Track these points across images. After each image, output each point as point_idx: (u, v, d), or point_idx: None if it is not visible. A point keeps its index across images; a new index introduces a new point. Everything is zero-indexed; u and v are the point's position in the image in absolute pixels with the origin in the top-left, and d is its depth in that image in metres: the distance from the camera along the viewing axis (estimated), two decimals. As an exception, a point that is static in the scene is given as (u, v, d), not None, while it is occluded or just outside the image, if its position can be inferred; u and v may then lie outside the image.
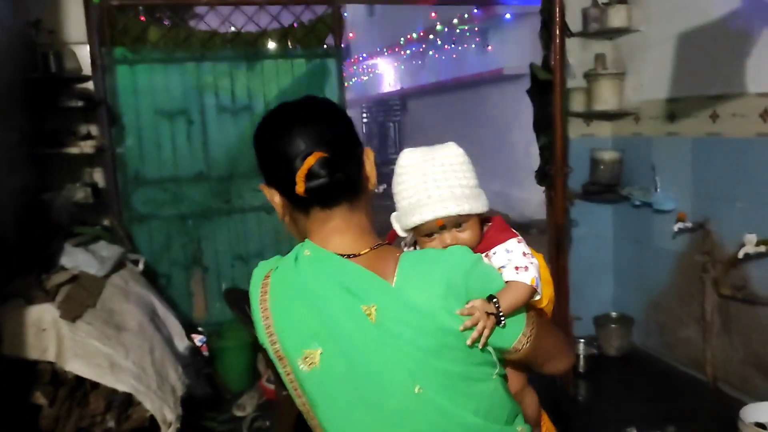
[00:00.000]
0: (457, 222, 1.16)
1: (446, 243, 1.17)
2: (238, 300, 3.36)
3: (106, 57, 3.95)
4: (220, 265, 4.37)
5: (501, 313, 1.10)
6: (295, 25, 4.23)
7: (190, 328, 4.17)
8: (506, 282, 1.14)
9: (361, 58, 18.14)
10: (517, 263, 1.15)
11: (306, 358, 1.14)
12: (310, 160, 1.11)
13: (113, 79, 4.03)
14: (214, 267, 4.36)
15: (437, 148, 1.20)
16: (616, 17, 4.31)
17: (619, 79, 4.41)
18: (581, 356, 4.30)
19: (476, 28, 12.25)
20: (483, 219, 1.22)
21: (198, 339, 4.27)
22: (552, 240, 3.71)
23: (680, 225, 3.86)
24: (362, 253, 1.17)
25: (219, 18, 4.22)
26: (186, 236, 4.32)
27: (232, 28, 4.19)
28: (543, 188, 3.92)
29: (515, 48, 11.60)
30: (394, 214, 1.24)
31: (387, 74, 18.30)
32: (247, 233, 4.38)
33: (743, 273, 3.59)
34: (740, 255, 3.36)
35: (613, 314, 4.66)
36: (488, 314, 1.08)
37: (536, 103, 3.80)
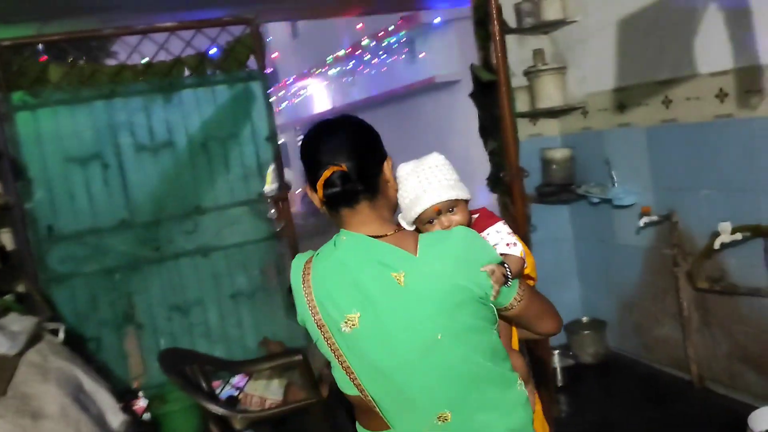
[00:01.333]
0: (449, 206, 1.48)
1: (444, 225, 1.47)
2: (177, 362, 2.96)
3: (2, 104, 3.52)
4: (156, 320, 3.93)
5: (510, 275, 1.40)
6: (212, 48, 3.87)
7: (128, 395, 3.75)
8: (501, 254, 1.43)
9: (289, 81, 17.79)
10: (507, 241, 1.47)
11: (347, 321, 1.41)
12: (327, 173, 1.39)
13: (13, 128, 3.58)
14: (150, 322, 3.92)
15: (424, 158, 1.54)
16: (551, 10, 4.11)
17: (560, 73, 4.20)
18: (557, 368, 4.04)
19: (403, 39, 12.10)
20: (470, 211, 1.54)
21: (138, 405, 3.83)
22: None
23: (645, 219, 3.65)
24: (388, 234, 1.45)
25: (127, 49, 3.82)
26: (114, 292, 3.87)
27: (144, 60, 3.81)
28: (495, 194, 3.67)
29: (445, 55, 11.48)
30: (399, 215, 1.53)
31: (318, 95, 18.00)
32: (182, 281, 3.95)
33: (719, 263, 3.39)
34: (716, 245, 3.16)
35: (585, 319, 4.43)
36: (502, 275, 1.39)
37: (481, 106, 3.54)
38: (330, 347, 1.45)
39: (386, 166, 1.49)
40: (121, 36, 3.73)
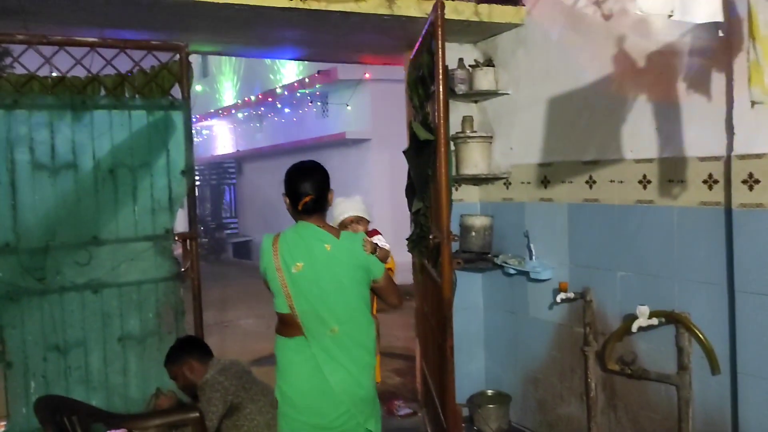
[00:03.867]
0: (357, 220, 3.19)
1: (354, 229, 3.09)
2: (55, 411, 2.57)
3: None
4: (29, 359, 3.45)
5: (378, 251, 2.62)
6: (134, 71, 3.60)
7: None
8: (378, 245, 2.66)
9: (194, 119, 17.29)
10: (382, 243, 2.83)
11: (296, 266, 2.53)
12: (306, 199, 2.56)
13: None
14: (21, 362, 3.43)
15: (353, 195, 3.31)
16: (484, 80, 4.18)
17: (487, 142, 4.25)
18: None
19: (317, 92, 12.09)
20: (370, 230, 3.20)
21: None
22: (435, 317, 3.34)
23: (562, 296, 3.67)
24: (324, 227, 2.61)
25: (39, 59, 3.46)
26: (-18, 324, 3.38)
27: (55, 73, 3.47)
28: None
29: (357, 113, 11.57)
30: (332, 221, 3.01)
31: (222, 136, 17.59)
32: (65, 318, 3.51)
33: (630, 346, 3.44)
34: (634, 328, 3.19)
35: (489, 392, 4.36)
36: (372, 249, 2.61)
37: (414, 165, 3.47)
38: (281, 282, 2.54)
39: (330, 195, 2.66)
40: (35, 45, 3.37)
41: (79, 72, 3.51)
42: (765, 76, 2.29)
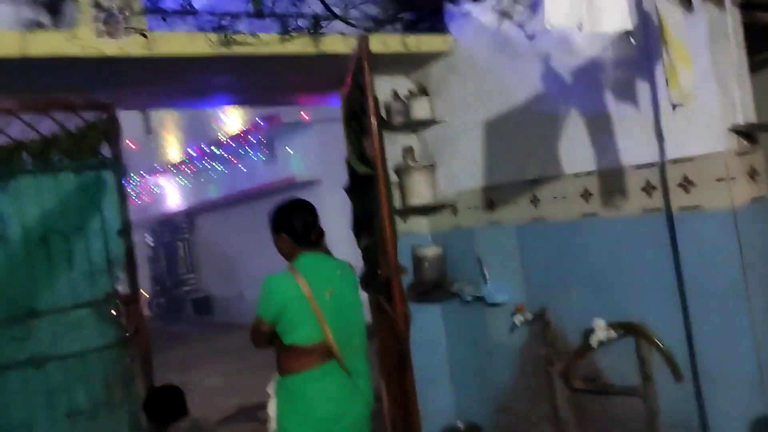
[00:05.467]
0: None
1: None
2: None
3: None
4: (-31, 448, 3.25)
5: None
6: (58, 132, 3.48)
7: None
8: None
9: (142, 177, 17.01)
10: None
11: (328, 291, 2.72)
12: (318, 231, 2.86)
13: None
14: (-41, 452, 3.23)
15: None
16: (420, 109, 4.19)
17: (430, 171, 4.24)
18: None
19: (263, 139, 12.03)
20: None
21: None
22: (389, 355, 3.25)
23: (519, 318, 3.63)
24: (329, 254, 2.96)
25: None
26: None
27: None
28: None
29: (304, 155, 11.53)
30: None
31: (170, 192, 17.32)
32: (7, 398, 3.32)
33: (593, 362, 3.40)
34: (593, 343, 3.16)
35: (460, 424, 4.25)
36: None
37: (356, 201, 3.42)
38: (313, 310, 2.66)
39: None
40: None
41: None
42: (680, 78, 2.32)
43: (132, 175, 15.64)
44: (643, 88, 3.01)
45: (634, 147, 3.10)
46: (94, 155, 3.50)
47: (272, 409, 2.78)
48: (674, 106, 2.45)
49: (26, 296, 3.34)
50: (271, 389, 2.83)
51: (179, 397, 3.29)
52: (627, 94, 3.08)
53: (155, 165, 16.67)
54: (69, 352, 3.43)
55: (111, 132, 3.55)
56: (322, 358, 2.70)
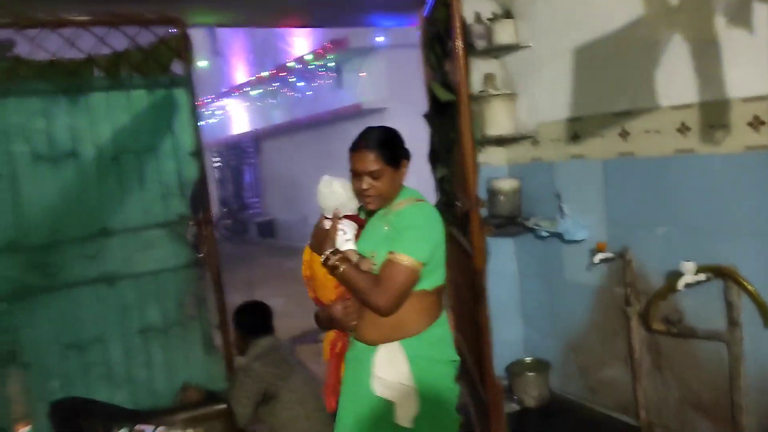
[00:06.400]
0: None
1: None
2: (71, 416, 2.44)
3: None
4: (47, 359, 3.31)
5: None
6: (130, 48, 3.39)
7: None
8: None
9: (209, 100, 17.13)
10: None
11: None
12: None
13: None
14: (38, 362, 3.28)
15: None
16: (503, 33, 3.92)
17: (511, 100, 4.00)
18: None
19: (331, 64, 11.81)
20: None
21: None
22: (465, 288, 3.14)
23: (600, 256, 3.44)
24: None
25: (27, 43, 3.27)
26: (-4, 326, 3.25)
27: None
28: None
29: (372, 82, 11.28)
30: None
31: (238, 116, 17.42)
32: (80, 314, 3.36)
33: (675, 305, 3.21)
34: (679, 285, 2.97)
35: (528, 360, 4.17)
36: None
37: (435, 129, 3.24)
38: (444, 255, 2.22)
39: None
40: (21, 28, 3.18)
41: (70, 54, 3.32)
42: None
43: (201, 97, 15.75)
44: (761, 12, 2.69)
45: (743, 77, 2.81)
46: (165, 73, 3.40)
47: (400, 376, 2.16)
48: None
49: (98, 215, 3.32)
50: (392, 363, 2.18)
51: (266, 315, 3.42)
52: (742, 18, 2.76)
53: (223, 88, 16.73)
54: (141, 271, 3.44)
55: (182, 49, 3.42)
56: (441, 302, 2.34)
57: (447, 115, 2.97)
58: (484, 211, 3.95)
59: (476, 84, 4.01)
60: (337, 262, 2.11)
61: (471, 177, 2.71)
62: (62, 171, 3.27)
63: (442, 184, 3.32)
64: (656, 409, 3.46)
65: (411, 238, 2.11)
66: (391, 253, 2.09)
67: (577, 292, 3.83)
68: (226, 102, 17.24)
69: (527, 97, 3.97)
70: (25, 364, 3.26)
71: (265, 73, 13.71)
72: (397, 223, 2.15)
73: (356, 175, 2.20)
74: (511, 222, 3.95)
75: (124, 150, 3.34)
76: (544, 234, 3.87)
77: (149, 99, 3.37)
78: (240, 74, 16.15)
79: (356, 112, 11.12)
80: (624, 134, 3.39)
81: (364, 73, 11.19)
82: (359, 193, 2.20)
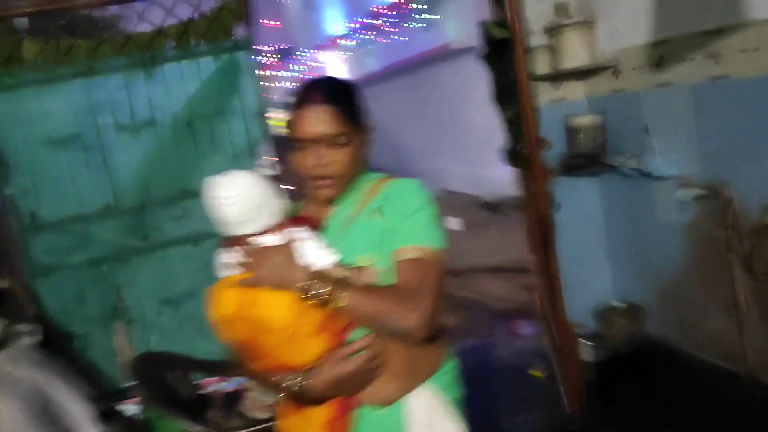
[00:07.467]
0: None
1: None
2: (153, 369, 2.60)
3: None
4: (147, 315, 3.62)
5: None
6: (196, 16, 3.48)
7: (117, 395, 3.43)
8: None
9: (302, 54, 17.33)
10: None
11: None
12: None
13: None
14: (140, 317, 3.61)
15: None
16: (576, -45, 3.63)
17: (588, 28, 3.72)
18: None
19: (419, 5, 11.55)
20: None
21: (130, 408, 3.52)
22: (535, 233, 3.03)
23: (694, 192, 3.17)
24: None
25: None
26: (102, 284, 3.58)
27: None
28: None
29: (460, 19, 10.91)
30: None
31: (331, 67, 17.53)
32: (173, 272, 3.62)
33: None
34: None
35: (617, 303, 3.99)
36: None
37: (495, 69, 3.09)
38: None
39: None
40: (94, 6, 3.34)
41: (144, 27, 3.47)
42: None
43: (296, 51, 15.95)
44: None
45: None
46: (227, 36, 3.48)
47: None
48: None
49: (179, 178, 3.51)
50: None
51: None
52: None
53: (316, 40, 16.84)
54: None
55: (242, 12, 3.48)
56: None
57: (505, 54, 2.82)
58: (562, 149, 3.77)
59: (547, 15, 3.75)
60: (330, 292, 1.36)
61: (529, 118, 2.58)
62: (143, 139, 3.52)
63: (510, 126, 3.18)
64: (766, 360, 3.19)
65: (424, 221, 1.47)
66: (402, 249, 1.44)
67: (669, 234, 3.57)
68: (320, 54, 17.37)
69: (605, 22, 3.68)
70: (129, 319, 3.57)
71: (355, 23, 13.64)
72: (393, 207, 1.49)
73: (302, 145, 1.47)
74: (593, 161, 3.73)
75: (196, 115, 3.50)
76: (631, 172, 3.62)
77: (215, 64, 3.50)
78: (333, 25, 16.16)
79: (445, 52, 10.83)
80: (716, 55, 3.06)
81: (450, 14, 10.84)
82: (308, 174, 1.49)
